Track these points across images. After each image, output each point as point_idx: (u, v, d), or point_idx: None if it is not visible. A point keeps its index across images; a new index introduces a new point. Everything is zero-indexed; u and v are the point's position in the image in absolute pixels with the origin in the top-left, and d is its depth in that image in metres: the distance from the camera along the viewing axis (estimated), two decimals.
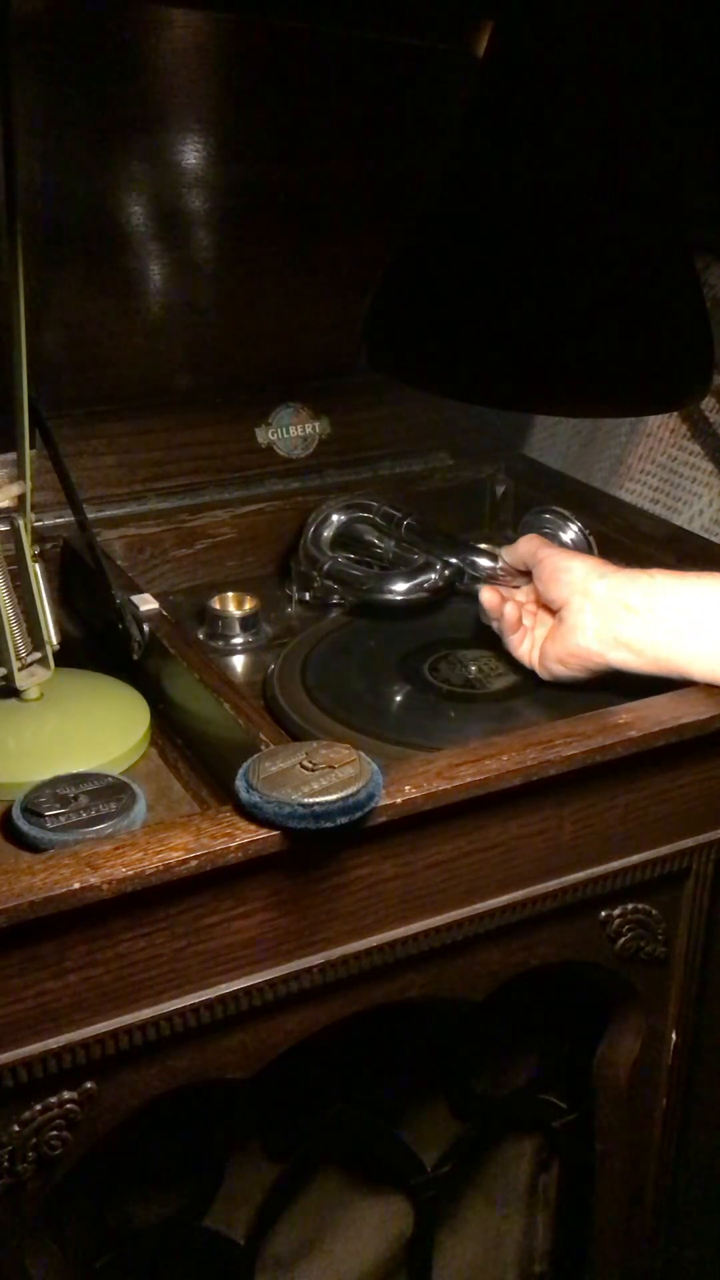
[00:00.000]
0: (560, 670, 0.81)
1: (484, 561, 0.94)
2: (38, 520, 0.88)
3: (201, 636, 0.96)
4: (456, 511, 1.14)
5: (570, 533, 1.00)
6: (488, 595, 0.87)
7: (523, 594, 0.87)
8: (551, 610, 0.83)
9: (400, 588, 0.95)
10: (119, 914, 0.58)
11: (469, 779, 0.64)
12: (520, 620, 0.85)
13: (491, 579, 0.90)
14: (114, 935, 0.58)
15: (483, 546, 0.96)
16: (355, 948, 0.66)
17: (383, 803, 0.62)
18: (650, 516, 1.06)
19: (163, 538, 1.02)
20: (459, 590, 0.95)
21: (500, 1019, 0.83)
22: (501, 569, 0.90)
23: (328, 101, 0.98)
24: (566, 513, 1.00)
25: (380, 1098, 0.86)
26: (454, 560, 0.95)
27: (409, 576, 0.95)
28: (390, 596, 0.95)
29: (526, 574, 0.87)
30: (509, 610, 0.85)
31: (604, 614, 0.77)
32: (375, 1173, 0.90)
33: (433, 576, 0.95)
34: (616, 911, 0.76)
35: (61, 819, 0.67)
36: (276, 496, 1.07)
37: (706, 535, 1.05)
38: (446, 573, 0.95)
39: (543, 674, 0.83)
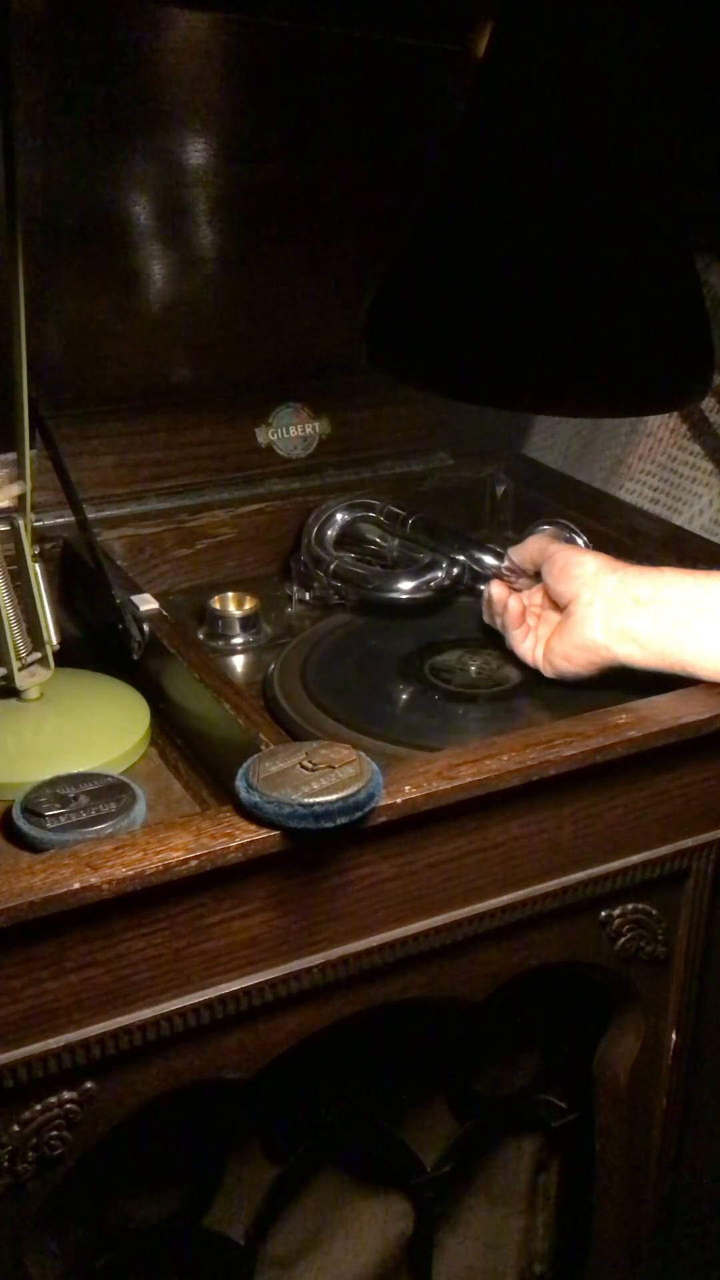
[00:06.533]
0: (565, 666, 0.81)
1: (490, 559, 0.94)
2: (38, 520, 0.88)
3: (201, 636, 0.96)
4: (456, 511, 1.13)
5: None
6: (497, 589, 0.87)
7: (527, 594, 0.87)
8: (558, 607, 0.83)
9: (406, 586, 0.95)
10: (119, 914, 0.58)
11: (469, 779, 0.64)
12: (523, 616, 0.85)
13: (497, 577, 0.90)
14: (114, 935, 0.58)
15: (489, 545, 0.96)
16: (355, 948, 0.66)
17: (383, 803, 0.62)
18: (650, 516, 1.06)
19: (163, 538, 1.02)
20: (464, 589, 0.95)
21: (500, 1019, 0.83)
22: (507, 567, 0.90)
23: (328, 101, 0.98)
24: (569, 524, 1.00)
25: (380, 1098, 0.86)
26: (460, 558, 0.95)
27: (415, 575, 0.95)
28: (396, 595, 0.95)
29: (533, 575, 0.87)
30: (513, 604, 0.85)
31: (612, 606, 0.77)
32: (375, 1173, 0.90)
33: (439, 574, 0.95)
34: (616, 911, 0.76)
35: (61, 819, 0.67)
36: (276, 496, 1.07)
37: (706, 535, 1.05)
38: (454, 571, 0.95)
39: (547, 670, 0.83)
